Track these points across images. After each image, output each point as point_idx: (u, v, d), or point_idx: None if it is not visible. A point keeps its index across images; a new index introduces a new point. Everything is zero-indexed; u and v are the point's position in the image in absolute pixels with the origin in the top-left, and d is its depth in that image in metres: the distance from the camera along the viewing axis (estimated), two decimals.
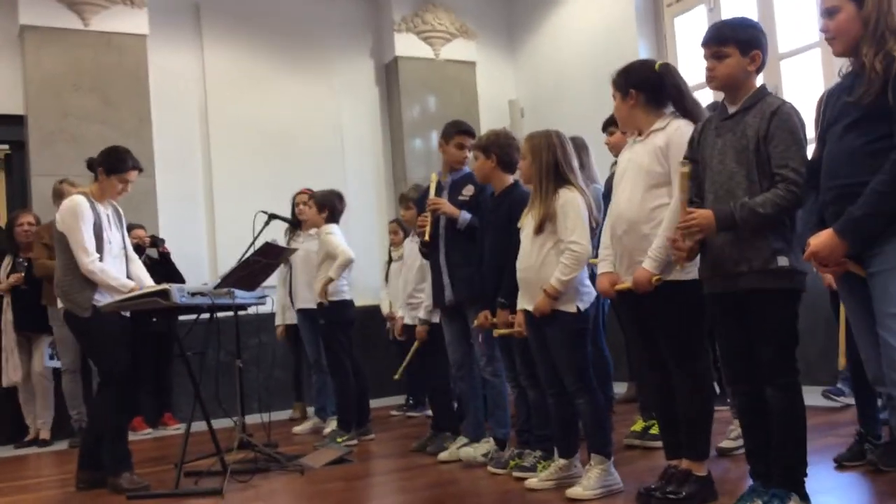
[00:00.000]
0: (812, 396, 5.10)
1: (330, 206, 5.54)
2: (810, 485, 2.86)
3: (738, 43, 2.83)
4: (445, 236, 4.43)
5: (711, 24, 3.01)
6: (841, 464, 3.51)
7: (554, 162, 3.55)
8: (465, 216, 4.33)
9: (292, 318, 6.29)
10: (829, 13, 2.57)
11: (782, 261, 2.75)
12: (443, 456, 4.50)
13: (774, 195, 2.71)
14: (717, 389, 4.02)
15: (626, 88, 3.21)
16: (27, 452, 6.03)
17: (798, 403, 2.81)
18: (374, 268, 7.19)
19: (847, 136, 2.52)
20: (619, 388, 5.74)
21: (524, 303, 3.64)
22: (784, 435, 2.80)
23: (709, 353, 3.23)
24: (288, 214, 6.21)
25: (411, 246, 5.11)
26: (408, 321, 5.39)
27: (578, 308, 3.48)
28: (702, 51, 2.94)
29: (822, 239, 2.51)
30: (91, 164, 4.50)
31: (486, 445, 4.33)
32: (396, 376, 5.24)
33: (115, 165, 4.40)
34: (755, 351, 2.83)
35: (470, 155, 4.47)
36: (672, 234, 2.92)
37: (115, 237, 4.45)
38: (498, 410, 4.37)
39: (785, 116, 2.75)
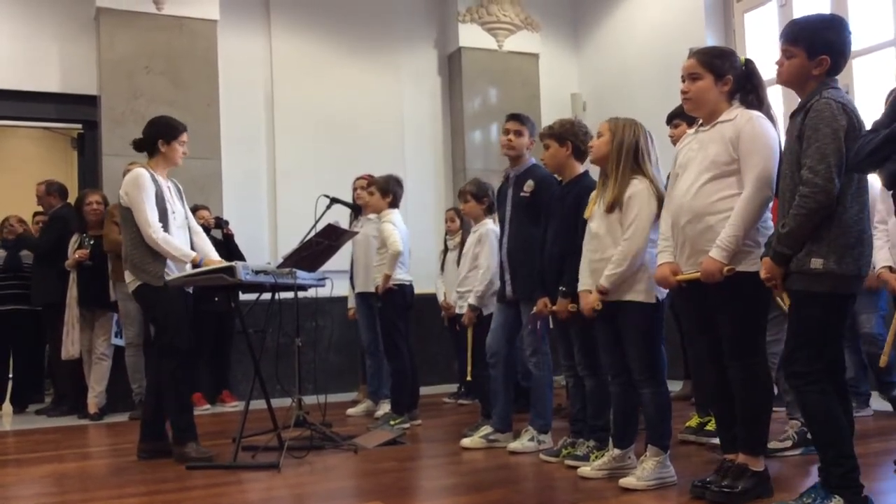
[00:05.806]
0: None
1: (393, 191, 5.61)
2: (873, 486, 2.82)
3: (807, 45, 2.78)
4: (509, 232, 4.46)
5: (792, 19, 2.96)
6: None
7: (635, 144, 3.54)
8: None
9: None
10: None
11: (815, 263, 2.69)
12: (465, 442, 4.53)
13: (793, 209, 2.68)
14: (776, 390, 3.97)
15: (724, 73, 3.11)
16: (88, 423, 6.21)
17: (815, 406, 2.75)
18: (430, 256, 7.23)
19: None
20: (674, 387, 5.68)
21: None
22: (813, 436, 2.84)
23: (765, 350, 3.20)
24: (349, 200, 6.29)
25: (470, 237, 5.15)
26: (458, 310, 5.41)
27: (657, 298, 3.47)
28: (771, 49, 2.92)
29: None
30: (141, 143, 4.58)
31: (528, 435, 4.34)
32: (469, 377, 5.23)
33: (172, 132, 4.54)
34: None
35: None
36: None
37: (178, 208, 4.56)
38: (539, 402, 4.38)
39: (813, 113, 2.69)
